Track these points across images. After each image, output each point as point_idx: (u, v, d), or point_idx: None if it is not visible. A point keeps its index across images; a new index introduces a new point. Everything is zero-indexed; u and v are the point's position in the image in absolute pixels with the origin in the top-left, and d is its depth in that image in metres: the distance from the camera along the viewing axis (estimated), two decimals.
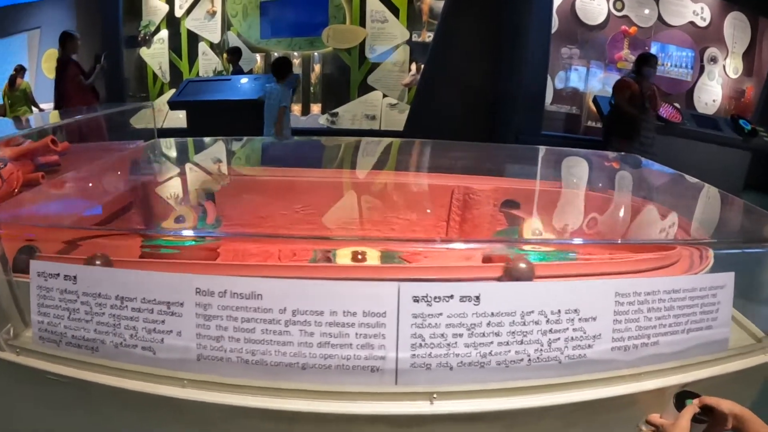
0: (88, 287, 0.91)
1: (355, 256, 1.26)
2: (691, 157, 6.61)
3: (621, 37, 8.20)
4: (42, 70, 9.30)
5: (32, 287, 0.94)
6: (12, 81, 7.89)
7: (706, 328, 1.07)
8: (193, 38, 8.08)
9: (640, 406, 1.01)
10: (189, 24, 8.03)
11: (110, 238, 1.46)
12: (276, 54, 7.61)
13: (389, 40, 7.15)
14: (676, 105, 7.16)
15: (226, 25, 7.85)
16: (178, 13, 8.05)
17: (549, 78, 8.22)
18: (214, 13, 7.84)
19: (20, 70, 8.00)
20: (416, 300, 0.86)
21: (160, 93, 8.29)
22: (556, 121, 8.12)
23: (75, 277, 0.91)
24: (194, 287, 0.86)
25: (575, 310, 0.97)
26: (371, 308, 0.85)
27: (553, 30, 8.11)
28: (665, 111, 6.30)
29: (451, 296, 0.87)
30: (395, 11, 7.09)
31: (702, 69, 8.50)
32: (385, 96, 7.27)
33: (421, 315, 0.87)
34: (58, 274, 0.92)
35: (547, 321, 0.95)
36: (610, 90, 7.67)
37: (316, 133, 7.24)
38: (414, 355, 0.88)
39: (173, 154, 2.10)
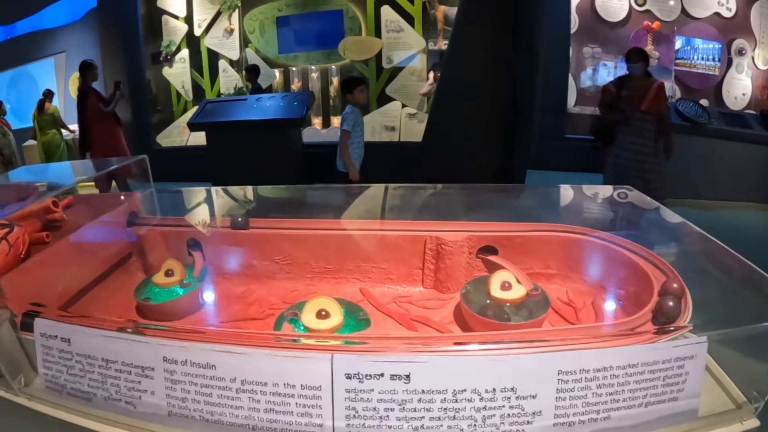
0: (80, 348, 1.04)
1: (319, 314, 1.33)
2: (721, 158, 6.44)
3: (644, 33, 8.03)
4: (69, 93, 9.54)
5: (37, 344, 1.09)
6: (41, 105, 8.10)
7: (670, 400, 1.01)
8: (213, 56, 8.19)
9: None
10: (208, 42, 8.13)
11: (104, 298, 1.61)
12: (294, 69, 7.66)
13: (405, 49, 7.12)
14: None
15: (244, 42, 7.93)
16: (198, 32, 8.15)
17: (572, 79, 8.11)
18: (231, 31, 7.92)
19: (48, 95, 8.21)
20: (348, 377, 0.91)
21: (184, 111, 8.42)
22: (580, 124, 8.00)
23: (69, 340, 1.04)
24: (161, 355, 0.97)
25: (512, 389, 0.94)
26: (308, 382, 0.92)
27: (574, 29, 8.00)
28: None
29: (382, 374, 0.91)
30: (410, 20, 7.06)
31: (730, 62, 8.26)
32: (404, 106, 7.25)
33: (354, 390, 0.92)
34: (56, 336, 1.06)
35: (481, 399, 0.93)
36: None
37: (335, 147, 7.24)
38: (349, 425, 0.94)
39: (167, 203, 2.16)
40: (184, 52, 8.32)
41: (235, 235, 1.76)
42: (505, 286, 1.43)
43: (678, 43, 8.11)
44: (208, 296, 1.65)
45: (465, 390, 0.93)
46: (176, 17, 8.26)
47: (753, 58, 8.45)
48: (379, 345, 1.06)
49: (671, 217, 1.71)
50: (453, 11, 6.56)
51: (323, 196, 2.61)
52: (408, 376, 0.91)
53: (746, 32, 8.37)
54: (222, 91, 8.13)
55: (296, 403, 0.94)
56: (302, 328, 1.33)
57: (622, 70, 8.20)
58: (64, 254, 1.63)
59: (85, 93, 5.83)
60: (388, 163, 6.74)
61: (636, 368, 0.97)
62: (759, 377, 1.11)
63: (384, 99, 7.30)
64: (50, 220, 1.86)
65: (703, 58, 8.22)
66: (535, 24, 6.13)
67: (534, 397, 0.95)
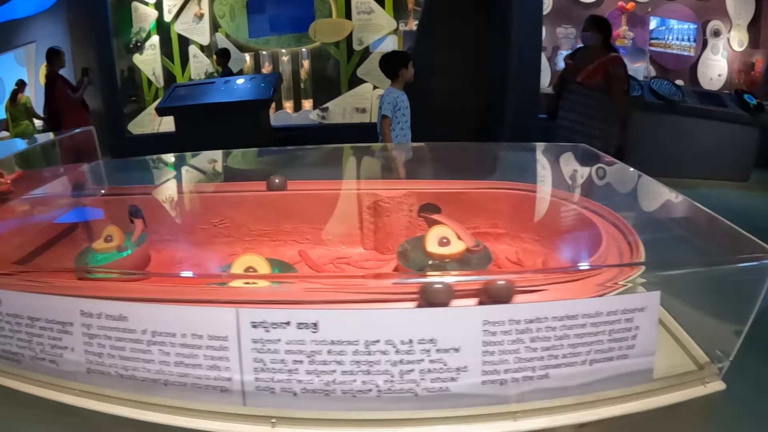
0: (9, 309, 1.03)
1: (247, 269, 1.26)
2: (696, 137, 6.40)
3: (618, 14, 7.98)
4: (40, 83, 9.37)
5: None
6: (13, 96, 7.98)
7: (619, 358, 0.91)
8: (184, 42, 8.07)
9: None
10: (178, 28, 8.01)
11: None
12: (264, 53, 7.56)
13: (376, 31, 7.04)
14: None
15: (214, 27, 7.81)
16: (167, 18, 8.03)
17: (546, 60, 8.05)
18: (201, 16, 7.80)
19: (21, 85, 8.08)
20: (255, 326, 0.87)
21: (156, 98, 8.28)
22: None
23: (1, 301, 1.03)
24: (79, 309, 0.96)
25: (431, 340, 0.86)
26: (215, 332, 0.89)
27: (548, 10, 7.94)
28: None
29: (288, 323, 0.85)
30: (380, 1, 6.99)
31: (705, 43, 8.24)
32: (375, 87, 7.16)
33: (261, 340, 0.87)
34: None
35: (397, 351, 0.86)
36: None
37: (306, 130, 7.17)
38: (257, 378, 0.89)
39: (114, 174, 2.21)
40: (155, 39, 8.19)
41: (176, 201, 1.77)
42: (443, 242, 1.33)
43: (653, 23, 8.08)
44: (144, 264, 1.62)
45: (378, 341, 0.86)
46: (146, 3, 8.12)
47: (728, 39, 8.45)
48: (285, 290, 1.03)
49: (627, 172, 1.63)
50: None
51: (271, 159, 2.55)
52: (316, 325, 0.86)
53: (722, 14, 8.37)
54: (193, 77, 8.01)
55: (204, 355, 0.90)
56: None
57: None
58: (5, 225, 1.62)
59: (52, 80, 5.80)
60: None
61: (576, 320, 0.88)
62: (723, 335, 1.01)
63: (355, 81, 7.21)
64: None
65: (678, 38, 8.20)
66: (507, 2, 6.07)
67: (457, 350, 0.87)
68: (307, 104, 7.48)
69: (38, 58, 9.29)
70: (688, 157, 6.43)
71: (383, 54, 4.30)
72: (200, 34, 7.91)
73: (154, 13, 8.10)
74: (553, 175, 1.90)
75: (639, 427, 0.92)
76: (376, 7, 6.96)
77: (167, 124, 7.64)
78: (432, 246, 1.32)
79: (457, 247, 1.32)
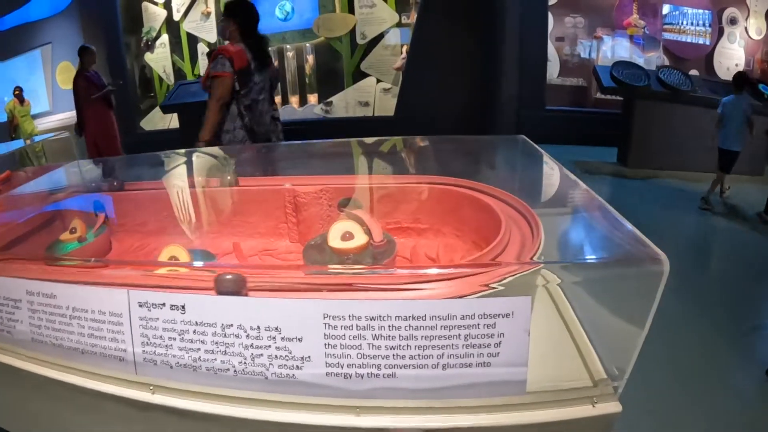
0: None
1: (170, 258, 1.39)
2: (706, 126, 6.25)
3: (629, 2, 7.81)
4: (57, 82, 9.59)
5: None
6: (20, 99, 8.26)
7: (480, 365, 0.86)
8: (193, 40, 8.15)
9: None
10: (187, 26, 8.10)
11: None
12: (270, 48, 7.57)
13: (379, 24, 7.00)
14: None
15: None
16: (176, 16, 8.12)
17: (555, 50, 7.92)
18: (209, 14, 7.87)
19: (21, 90, 8.42)
20: (141, 305, 1.00)
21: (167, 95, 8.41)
22: (562, 95, 7.82)
23: None
24: (25, 289, 1.12)
25: (276, 328, 0.91)
26: (113, 309, 1.03)
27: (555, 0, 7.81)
28: None
29: (163, 304, 0.98)
30: None
31: (721, 31, 8.00)
32: (379, 81, 7.14)
33: (145, 318, 0.99)
34: None
35: (247, 336, 0.93)
36: (619, 59, 7.35)
37: (310, 124, 7.18)
38: (144, 351, 1.01)
39: (88, 174, 2.37)
40: (165, 38, 8.29)
41: (129, 197, 1.88)
42: (346, 236, 1.33)
43: (666, 8, 7.88)
44: (103, 251, 1.77)
45: (231, 325, 0.94)
46: (155, 3, 8.23)
47: (746, 27, 8.19)
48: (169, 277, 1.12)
49: (557, 167, 1.58)
50: None
51: (236, 157, 2.58)
52: (183, 307, 0.97)
53: (738, 1, 8.12)
54: (202, 74, 8.09)
55: (107, 329, 1.03)
56: None
57: (604, 41, 8.02)
58: None
59: (77, 78, 6.02)
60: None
61: (422, 321, 0.86)
62: (622, 349, 0.94)
63: (359, 75, 7.20)
64: None
65: (693, 23, 7.97)
66: None
67: (300, 340, 0.91)
68: (312, 99, 7.48)
69: (54, 58, 9.52)
70: (701, 150, 6.24)
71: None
72: (208, 32, 7.98)
73: (164, 13, 8.19)
74: (485, 169, 1.88)
75: None
76: (378, 0, 6.93)
77: (177, 120, 7.75)
78: (334, 241, 1.32)
79: (358, 241, 1.31)
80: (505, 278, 0.94)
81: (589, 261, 1.05)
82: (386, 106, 7.00)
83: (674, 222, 4.86)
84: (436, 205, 1.56)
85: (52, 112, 9.67)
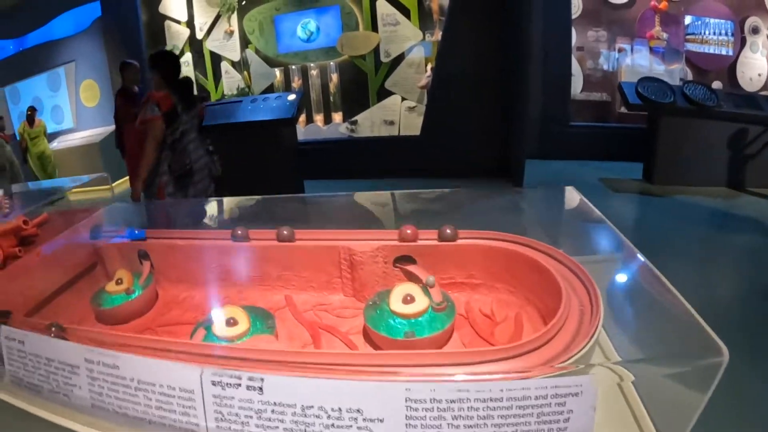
0: (30, 348, 1.21)
1: (227, 322, 1.37)
2: (735, 143, 6.23)
3: (651, 14, 7.80)
4: (81, 100, 9.70)
5: (3, 346, 1.26)
6: (30, 119, 8.36)
7: None
8: (216, 58, 8.23)
9: None
10: (210, 45, 8.18)
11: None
12: (293, 67, 7.64)
13: (402, 42, 7.04)
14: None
15: (244, 43, 7.94)
16: (199, 35, 8.21)
17: (578, 65, 7.91)
18: (232, 33, 7.94)
19: (33, 110, 8.53)
20: (214, 384, 1.00)
21: None
22: (587, 110, 7.81)
23: (23, 341, 1.21)
24: (83, 357, 1.12)
25: (358, 410, 0.92)
26: (183, 386, 1.03)
27: (577, 14, 7.80)
28: None
29: (239, 385, 0.98)
30: (406, 13, 6.98)
31: (743, 41, 7.97)
32: (404, 99, 7.18)
33: (219, 396, 1.00)
34: (15, 339, 1.24)
35: (328, 416, 0.94)
36: (642, 73, 7.33)
37: (336, 143, 7.23)
38: (218, 426, 1.01)
39: (128, 218, 2.33)
40: (188, 56, 8.38)
41: (177, 246, 1.84)
42: (407, 299, 1.36)
43: (687, 19, 7.86)
44: (150, 302, 1.75)
45: (312, 407, 0.95)
46: (178, 22, 8.33)
47: None
48: (242, 356, 1.10)
49: (603, 222, 1.58)
50: (447, 1, 6.46)
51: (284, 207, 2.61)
52: (261, 388, 0.97)
53: (760, 9, 8.08)
54: (225, 92, 8.17)
55: (177, 403, 1.03)
56: (212, 335, 1.35)
57: (627, 54, 8.01)
58: (30, 266, 1.74)
59: (117, 95, 5.79)
60: (387, 158, 6.70)
61: (500, 402, 0.88)
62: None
63: (383, 93, 7.24)
64: (25, 236, 1.97)
65: (714, 33, 7.94)
66: (529, 10, 5.99)
67: (381, 421, 0.92)
68: (337, 117, 7.53)
69: (77, 75, 9.63)
70: (729, 165, 6.21)
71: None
72: (231, 50, 8.05)
73: (186, 31, 8.28)
74: (532, 224, 1.89)
75: None
76: (402, 18, 6.97)
77: None
78: (395, 304, 1.34)
79: (420, 305, 1.33)
80: (571, 357, 0.99)
81: (650, 359, 1.06)
82: (411, 124, 7.04)
83: (708, 241, 4.85)
84: (489, 261, 1.58)
85: (75, 129, 9.75)
